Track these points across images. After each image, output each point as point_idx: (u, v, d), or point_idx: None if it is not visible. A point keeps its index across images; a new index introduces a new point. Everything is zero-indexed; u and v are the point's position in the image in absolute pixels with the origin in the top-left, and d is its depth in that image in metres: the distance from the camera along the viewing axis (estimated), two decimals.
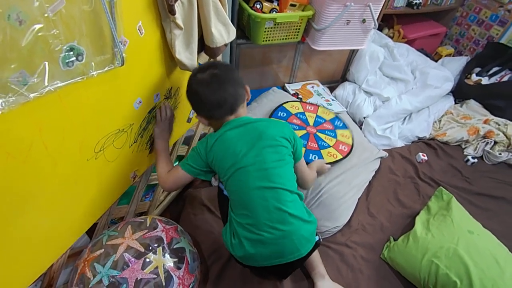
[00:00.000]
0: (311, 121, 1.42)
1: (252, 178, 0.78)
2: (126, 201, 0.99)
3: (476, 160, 1.52)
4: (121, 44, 0.65)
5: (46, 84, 0.51)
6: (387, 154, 1.44)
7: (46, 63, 0.51)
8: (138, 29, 0.69)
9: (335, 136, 1.37)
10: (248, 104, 1.46)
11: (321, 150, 1.28)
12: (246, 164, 0.79)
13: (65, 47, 0.53)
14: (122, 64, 0.65)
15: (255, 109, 1.48)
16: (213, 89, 0.81)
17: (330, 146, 1.31)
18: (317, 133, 1.36)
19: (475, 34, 2.16)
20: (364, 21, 1.45)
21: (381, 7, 1.45)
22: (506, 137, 1.55)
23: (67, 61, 0.54)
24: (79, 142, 0.65)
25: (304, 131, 1.35)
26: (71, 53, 0.55)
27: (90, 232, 0.86)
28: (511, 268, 0.90)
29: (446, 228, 1.03)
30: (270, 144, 0.82)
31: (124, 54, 0.64)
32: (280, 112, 1.42)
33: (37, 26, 0.47)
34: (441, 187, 1.24)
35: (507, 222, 1.24)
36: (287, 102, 1.48)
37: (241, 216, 0.80)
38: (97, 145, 0.70)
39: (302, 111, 1.46)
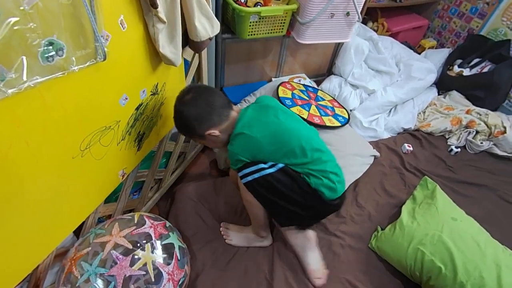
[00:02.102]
0: (312, 97, 1.58)
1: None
2: (114, 198, 0.98)
3: (459, 149, 1.57)
4: (103, 38, 0.64)
5: (25, 79, 0.50)
6: (379, 155, 1.47)
7: (24, 57, 0.49)
8: (120, 23, 0.68)
9: (333, 110, 1.54)
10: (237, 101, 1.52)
11: (322, 117, 1.42)
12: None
13: (43, 42, 0.52)
14: (104, 59, 0.64)
15: (254, 98, 1.52)
16: (211, 94, 0.90)
17: (329, 115, 1.48)
18: (318, 105, 1.53)
19: (456, 26, 2.21)
20: (348, 14, 1.46)
21: (364, 0, 1.46)
22: (487, 126, 1.61)
23: (46, 55, 0.53)
24: (62, 139, 0.64)
25: (306, 101, 1.51)
26: (51, 47, 0.54)
27: (77, 231, 0.85)
28: (492, 251, 0.94)
29: (430, 216, 1.06)
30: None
31: (106, 49, 0.63)
32: (283, 88, 1.53)
33: (13, 20, 0.46)
34: (425, 176, 1.27)
35: (488, 208, 1.29)
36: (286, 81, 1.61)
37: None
38: (82, 142, 0.69)
39: (304, 89, 1.61)
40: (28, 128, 0.56)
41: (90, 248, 0.74)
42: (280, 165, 0.88)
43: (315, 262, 1.01)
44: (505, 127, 1.57)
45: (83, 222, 0.83)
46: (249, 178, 0.87)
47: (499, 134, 1.56)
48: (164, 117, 1.03)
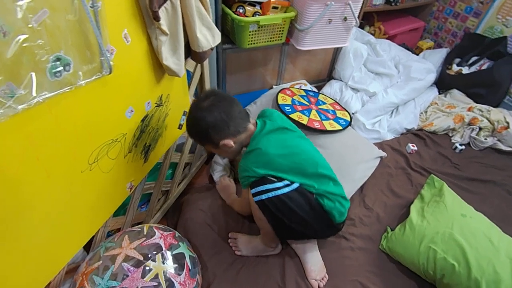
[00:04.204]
0: (313, 101, 1.59)
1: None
2: (122, 212, 0.98)
3: (463, 147, 1.57)
4: (108, 52, 0.65)
5: (34, 95, 0.51)
6: (386, 154, 1.46)
7: (33, 74, 0.51)
8: (124, 37, 0.70)
9: (334, 113, 1.54)
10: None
11: (322, 121, 1.43)
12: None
13: (51, 57, 0.53)
14: (110, 73, 0.65)
15: (255, 106, 1.53)
16: (229, 103, 0.89)
17: (330, 119, 1.48)
18: (319, 109, 1.54)
19: (452, 26, 2.23)
20: (345, 19, 1.48)
21: (360, 5, 1.49)
22: (490, 122, 1.60)
23: (54, 71, 0.54)
24: (71, 154, 0.64)
25: (307, 107, 1.51)
26: (58, 63, 0.55)
27: (87, 247, 0.85)
28: (505, 246, 0.93)
29: (440, 214, 1.05)
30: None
31: (111, 62, 0.64)
32: (282, 94, 1.54)
33: (22, 37, 0.47)
34: (432, 175, 1.26)
35: (496, 204, 1.28)
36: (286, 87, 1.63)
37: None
38: (91, 156, 0.69)
39: (305, 95, 1.62)
40: (38, 143, 0.57)
41: (101, 261, 0.74)
42: (296, 185, 0.87)
43: (314, 263, 1.00)
44: (508, 122, 1.56)
45: (93, 237, 0.83)
46: (263, 196, 0.85)
47: (502, 130, 1.56)
48: (169, 128, 1.03)
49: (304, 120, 1.39)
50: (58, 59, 0.55)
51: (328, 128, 1.39)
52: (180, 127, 1.11)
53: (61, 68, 0.55)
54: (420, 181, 1.36)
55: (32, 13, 0.48)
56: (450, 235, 0.96)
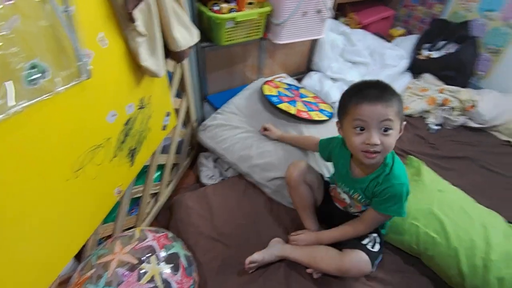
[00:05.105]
0: (296, 94, 1.61)
1: None
2: (112, 218, 0.96)
3: (438, 127, 1.65)
4: (85, 57, 0.64)
5: (12, 104, 0.50)
6: None
7: (8, 83, 0.49)
8: (101, 40, 0.69)
9: (317, 105, 1.57)
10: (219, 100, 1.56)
11: (309, 112, 1.45)
12: None
13: (26, 65, 0.52)
14: (89, 77, 0.64)
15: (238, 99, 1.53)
16: None
17: (315, 110, 1.51)
18: (303, 101, 1.56)
19: (420, 13, 2.32)
20: (319, 11, 1.51)
21: None
22: (460, 102, 1.69)
23: (30, 79, 0.53)
24: (55, 163, 0.63)
25: (292, 98, 1.54)
26: (34, 70, 0.54)
27: (78, 256, 0.84)
28: (478, 215, 1.00)
29: (419, 192, 1.10)
30: None
31: (89, 67, 0.63)
32: (267, 86, 1.55)
33: None
34: (410, 156, 1.33)
35: (471, 178, 1.36)
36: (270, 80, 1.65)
37: None
38: (75, 164, 0.68)
39: (287, 87, 1.64)
40: (19, 154, 0.56)
41: (94, 270, 0.73)
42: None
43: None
44: (475, 101, 1.66)
45: (83, 246, 0.82)
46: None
47: (471, 108, 1.65)
48: (154, 130, 1.03)
49: (293, 110, 1.41)
50: (34, 66, 0.54)
51: (316, 118, 1.43)
52: (164, 128, 1.11)
53: (37, 75, 0.54)
54: None
55: (3, 21, 0.47)
56: (429, 210, 1.02)
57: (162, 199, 1.21)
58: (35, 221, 0.62)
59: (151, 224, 1.16)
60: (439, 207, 1.02)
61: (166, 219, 1.19)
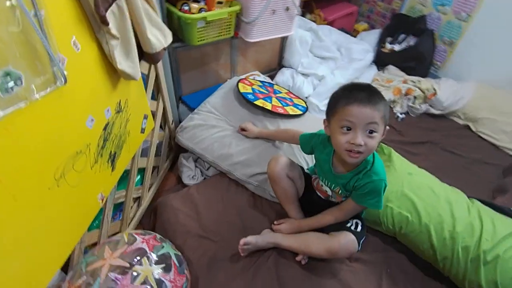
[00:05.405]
0: (270, 90, 1.66)
1: None
2: (96, 225, 0.95)
3: (404, 115, 1.77)
4: (60, 62, 0.63)
5: None
6: None
7: None
8: (74, 45, 0.67)
9: (291, 100, 1.63)
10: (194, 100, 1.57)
11: (284, 107, 1.50)
12: None
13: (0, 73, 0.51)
14: (65, 82, 0.63)
15: (214, 98, 1.54)
16: None
17: (290, 105, 1.56)
18: (278, 97, 1.61)
19: (381, 9, 2.46)
20: (287, 9, 1.56)
21: None
22: (422, 91, 1.83)
23: (5, 87, 0.52)
24: (36, 171, 0.61)
25: (267, 94, 1.58)
26: (8, 78, 0.52)
27: (65, 267, 0.81)
28: (443, 193, 1.11)
29: (391, 176, 1.19)
30: None
31: (65, 72, 0.62)
32: (242, 84, 1.57)
33: None
34: (381, 143, 1.42)
35: (434, 160, 1.49)
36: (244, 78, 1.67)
37: None
38: (56, 171, 0.67)
39: (261, 85, 1.68)
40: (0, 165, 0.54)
41: (84, 277, 0.72)
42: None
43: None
44: (435, 89, 1.80)
45: (69, 256, 0.80)
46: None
47: (431, 96, 1.79)
48: (132, 134, 1.01)
49: (268, 106, 1.45)
50: (7, 74, 0.52)
51: (291, 112, 1.48)
52: (142, 131, 1.10)
53: (11, 83, 0.53)
54: None
55: None
56: (401, 192, 1.11)
57: (145, 203, 1.20)
58: (18, 234, 0.60)
59: (136, 228, 1.14)
60: (409, 188, 1.11)
61: (150, 222, 1.18)
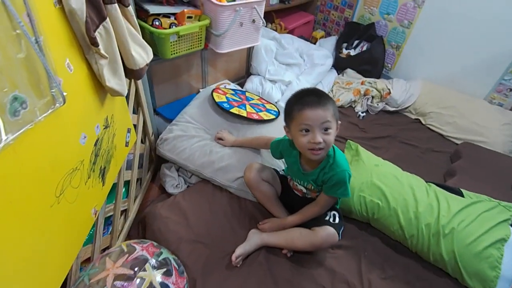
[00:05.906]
0: (243, 98, 1.74)
1: None
2: (87, 240, 0.95)
3: (364, 114, 1.96)
4: (58, 83, 0.66)
5: (5, 138, 0.51)
6: None
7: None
8: (67, 66, 0.70)
9: (264, 106, 1.72)
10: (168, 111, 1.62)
11: (258, 113, 1.59)
12: None
13: (9, 98, 0.53)
14: (64, 103, 0.66)
15: (190, 109, 1.59)
16: None
17: (263, 111, 1.65)
18: (251, 104, 1.69)
19: (335, 17, 2.68)
20: (254, 21, 1.66)
21: (263, 7, 1.69)
22: (378, 91, 2.04)
23: (14, 111, 0.54)
24: (39, 190, 0.63)
25: (240, 102, 1.66)
26: (16, 103, 0.55)
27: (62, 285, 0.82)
28: (405, 179, 1.26)
29: (360, 169, 1.33)
30: None
31: (64, 93, 0.65)
32: (216, 93, 1.62)
33: None
34: (348, 140, 1.57)
35: (395, 151, 1.68)
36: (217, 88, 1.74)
37: None
38: (57, 189, 0.69)
39: (234, 93, 1.74)
40: (8, 187, 0.55)
41: None
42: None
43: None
44: (389, 89, 2.02)
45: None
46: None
47: (387, 95, 2.01)
48: (118, 148, 1.04)
49: (244, 113, 1.53)
50: (15, 98, 0.55)
51: (265, 118, 1.57)
52: (127, 144, 1.12)
53: (19, 107, 0.55)
54: (341, 148, 1.64)
55: None
56: (371, 182, 1.25)
57: (132, 214, 1.21)
58: (22, 253, 0.61)
59: (126, 240, 1.15)
60: (377, 178, 1.26)
61: (138, 234, 1.19)
